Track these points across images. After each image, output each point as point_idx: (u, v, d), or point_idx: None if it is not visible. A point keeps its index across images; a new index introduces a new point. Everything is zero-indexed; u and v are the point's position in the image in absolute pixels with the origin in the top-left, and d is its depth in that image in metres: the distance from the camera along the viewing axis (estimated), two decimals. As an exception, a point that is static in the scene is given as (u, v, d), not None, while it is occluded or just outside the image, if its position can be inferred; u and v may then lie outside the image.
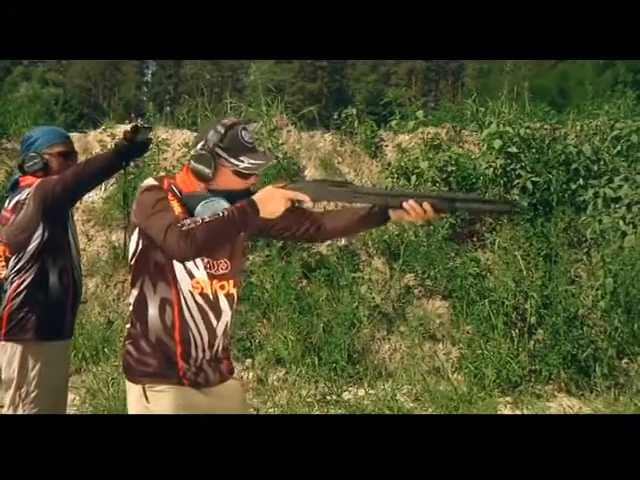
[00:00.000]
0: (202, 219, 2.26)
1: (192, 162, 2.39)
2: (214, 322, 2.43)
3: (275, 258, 6.38)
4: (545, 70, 27.81)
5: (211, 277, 2.42)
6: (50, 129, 3.45)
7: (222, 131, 2.34)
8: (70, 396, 5.39)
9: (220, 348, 2.49)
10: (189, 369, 2.41)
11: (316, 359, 5.79)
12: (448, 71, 44.42)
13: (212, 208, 2.31)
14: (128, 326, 2.48)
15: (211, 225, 2.26)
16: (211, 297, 2.42)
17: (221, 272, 2.45)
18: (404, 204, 2.38)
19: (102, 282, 6.89)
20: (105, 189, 7.38)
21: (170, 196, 2.33)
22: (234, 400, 2.58)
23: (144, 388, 2.38)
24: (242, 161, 2.34)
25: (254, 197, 2.35)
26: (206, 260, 2.40)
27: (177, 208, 2.31)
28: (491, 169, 6.65)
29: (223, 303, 2.45)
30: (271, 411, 5.15)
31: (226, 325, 2.48)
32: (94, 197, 7.38)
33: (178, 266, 2.36)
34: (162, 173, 7.04)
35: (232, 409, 2.53)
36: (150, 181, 2.39)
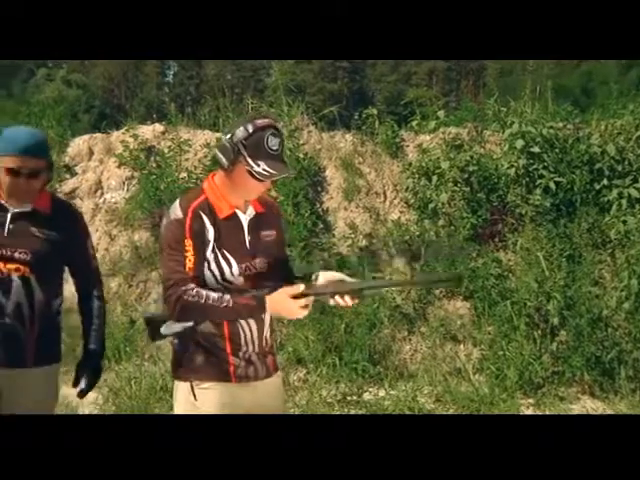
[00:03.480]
0: (206, 298, 2.34)
1: (216, 148, 2.46)
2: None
3: (296, 258, 6.39)
4: (568, 69, 27.60)
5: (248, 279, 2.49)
6: (11, 134, 2.71)
7: (250, 130, 2.37)
8: (93, 395, 5.45)
9: (268, 340, 2.53)
10: (239, 364, 2.46)
11: (337, 359, 5.78)
12: (469, 71, 44.17)
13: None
14: None
15: (211, 309, 2.35)
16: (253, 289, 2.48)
17: (260, 270, 2.51)
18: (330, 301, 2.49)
19: (124, 282, 6.94)
20: (128, 189, 7.44)
21: (192, 227, 2.37)
22: (276, 399, 2.63)
23: (192, 385, 2.43)
24: (258, 165, 2.36)
25: (268, 298, 2.40)
26: (244, 266, 2.46)
27: (205, 236, 2.38)
28: (513, 169, 6.60)
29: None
30: (291, 411, 5.15)
31: (271, 316, 2.52)
32: (117, 197, 7.44)
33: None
34: (183, 174, 7.08)
35: (274, 408, 2.57)
36: (176, 210, 2.42)
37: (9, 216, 2.72)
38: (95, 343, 2.90)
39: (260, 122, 2.39)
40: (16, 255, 2.70)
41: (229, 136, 2.40)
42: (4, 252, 2.69)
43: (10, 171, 2.64)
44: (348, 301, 2.47)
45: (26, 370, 2.74)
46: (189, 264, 2.36)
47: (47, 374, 2.85)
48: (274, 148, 2.38)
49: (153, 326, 2.56)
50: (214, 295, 2.34)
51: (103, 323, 2.95)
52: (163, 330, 2.46)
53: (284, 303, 2.40)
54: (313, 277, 2.53)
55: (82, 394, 2.90)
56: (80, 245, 2.88)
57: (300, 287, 2.41)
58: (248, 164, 2.37)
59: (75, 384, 2.90)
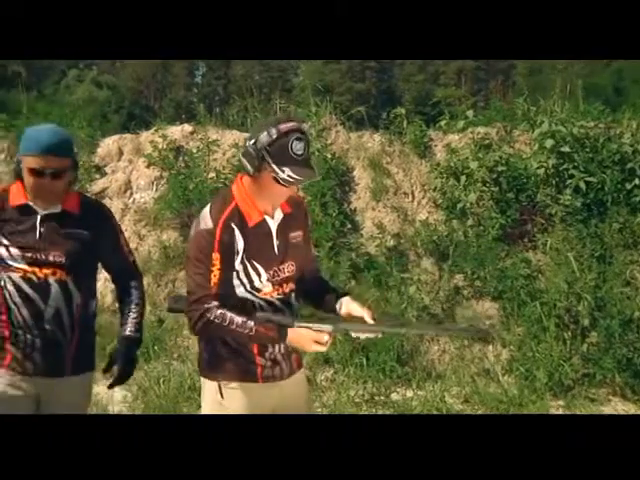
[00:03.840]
0: (230, 322, 2.35)
1: (240, 154, 2.45)
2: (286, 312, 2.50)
3: (324, 259, 6.39)
4: (599, 68, 27.26)
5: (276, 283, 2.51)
6: (34, 133, 2.61)
7: (274, 136, 2.34)
8: (122, 393, 5.53)
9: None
10: (266, 364, 2.48)
11: (364, 359, 5.77)
12: (498, 70, 43.80)
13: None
14: None
15: (233, 333, 2.37)
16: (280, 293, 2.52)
17: (287, 274, 2.53)
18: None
19: (153, 281, 6.99)
20: (156, 189, 7.50)
21: (221, 239, 2.37)
22: (301, 397, 2.65)
23: (219, 385, 2.44)
24: (283, 171, 2.34)
25: (290, 332, 2.41)
26: (272, 272, 2.48)
27: (235, 245, 2.39)
28: (543, 169, 6.54)
29: (291, 296, 2.55)
30: (319, 411, 5.15)
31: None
32: (146, 197, 7.50)
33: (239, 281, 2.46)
34: (212, 174, 7.12)
35: (299, 405, 2.59)
36: (207, 220, 2.41)
37: (39, 218, 2.62)
38: (132, 330, 2.78)
39: (284, 127, 2.35)
40: (51, 258, 2.60)
41: (253, 142, 2.37)
42: (38, 256, 2.59)
43: (33, 171, 2.54)
44: (370, 336, 2.53)
45: (64, 379, 2.66)
46: (214, 279, 2.36)
47: (83, 383, 2.78)
48: (299, 153, 2.34)
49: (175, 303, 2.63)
50: (238, 320, 2.35)
51: (142, 313, 2.85)
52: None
53: (305, 344, 2.42)
54: (337, 306, 2.54)
55: (114, 385, 2.83)
56: (113, 242, 2.79)
57: (324, 337, 2.41)
58: (273, 170, 2.35)
59: (106, 371, 2.80)
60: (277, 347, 2.50)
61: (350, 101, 30.85)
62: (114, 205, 7.47)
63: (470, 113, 7.28)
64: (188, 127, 7.83)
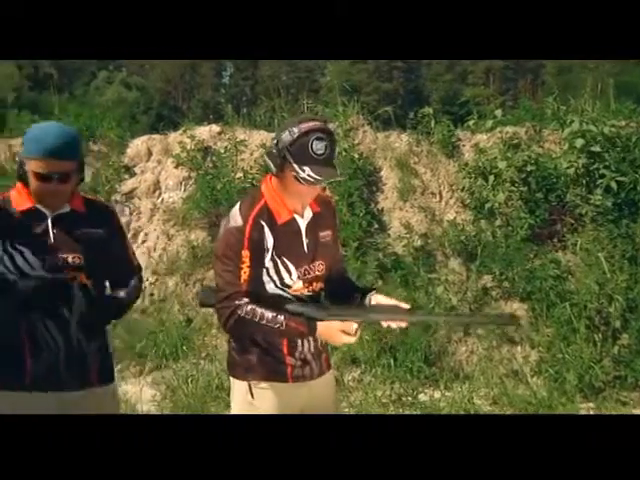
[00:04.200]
0: (260, 317, 2.36)
1: (265, 154, 2.47)
2: None
3: (351, 259, 6.38)
4: (631, 66, 26.84)
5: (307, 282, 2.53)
6: (38, 134, 2.44)
7: (295, 136, 2.35)
8: (151, 392, 5.58)
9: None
10: (295, 363, 2.49)
11: (392, 360, 5.76)
12: (527, 69, 43.39)
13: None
14: None
15: (261, 327, 2.37)
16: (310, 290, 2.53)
17: (317, 273, 2.54)
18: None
19: (181, 281, 7.04)
20: (185, 189, 7.55)
21: (251, 237, 2.38)
22: (330, 397, 2.66)
23: (250, 385, 2.45)
24: (303, 170, 2.34)
25: (319, 326, 2.42)
26: (303, 270, 2.49)
27: (263, 244, 2.40)
28: (573, 169, 6.46)
29: (321, 295, 2.56)
30: (346, 411, 5.15)
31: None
32: (174, 197, 7.56)
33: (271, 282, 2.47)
34: (239, 174, 7.15)
35: (327, 405, 2.60)
36: (237, 217, 2.43)
37: (49, 221, 2.47)
38: (112, 296, 2.60)
39: (304, 126, 2.36)
40: (70, 261, 2.45)
41: (275, 142, 2.40)
42: (56, 261, 2.44)
43: (38, 176, 2.39)
44: (401, 324, 2.51)
45: (90, 391, 2.50)
46: (244, 276, 2.37)
47: (111, 392, 2.64)
48: (319, 152, 2.34)
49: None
50: (268, 315, 2.36)
51: (128, 302, 2.65)
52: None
53: (334, 336, 2.43)
54: (366, 301, 2.54)
55: None
56: (119, 241, 2.66)
57: (353, 326, 2.42)
58: (294, 170, 2.36)
59: None
60: (307, 347, 2.51)
61: (377, 101, 30.77)
62: (143, 205, 7.55)
63: (499, 112, 7.22)
64: (216, 127, 7.87)
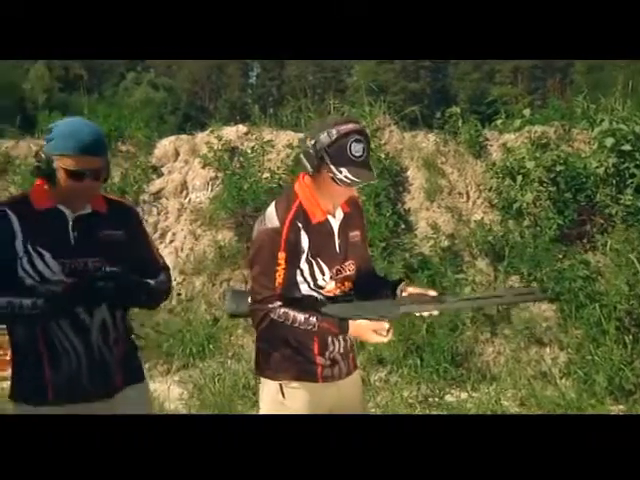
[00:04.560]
0: (293, 320, 2.37)
1: (301, 153, 2.47)
2: None
3: (377, 259, 6.37)
4: (662, 64, 26.44)
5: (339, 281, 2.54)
6: (71, 129, 2.31)
7: (333, 137, 2.37)
8: (178, 390, 5.62)
9: (351, 339, 2.57)
10: (325, 363, 2.50)
11: (418, 360, 5.74)
12: (556, 68, 42.96)
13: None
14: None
15: (294, 331, 2.39)
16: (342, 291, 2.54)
17: (348, 273, 2.56)
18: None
19: (208, 280, 7.08)
20: (212, 189, 7.59)
21: (288, 239, 2.40)
22: (357, 396, 2.67)
23: (281, 385, 2.46)
24: (341, 172, 2.36)
25: (351, 325, 2.43)
26: (335, 270, 2.51)
27: (300, 245, 2.42)
28: (602, 168, 6.39)
29: (352, 294, 2.56)
30: (372, 411, 5.14)
31: None
32: (201, 197, 7.61)
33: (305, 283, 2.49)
34: (266, 174, 7.17)
35: (355, 405, 2.60)
36: (273, 220, 2.43)
37: (70, 222, 2.36)
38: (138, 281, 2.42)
39: (343, 128, 2.37)
40: (90, 265, 2.33)
41: (313, 142, 2.40)
42: (77, 265, 2.32)
43: (72, 174, 2.27)
44: (434, 313, 2.53)
45: (117, 398, 2.39)
46: (279, 279, 2.38)
47: (139, 395, 2.50)
48: (357, 154, 2.36)
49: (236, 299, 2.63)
50: (301, 318, 2.38)
51: (157, 296, 2.52)
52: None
53: (366, 334, 2.45)
54: (398, 292, 2.54)
55: None
56: (141, 242, 2.54)
57: (385, 326, 2.43)
58: (331, 171, 2.37)
59: None
60: (336, 347, 2.52)
61: (404, 101, 30.68)
62: (170, 205, 7.61)
63: (527, 112, 7.16)
64: (243, 128, 7.91)
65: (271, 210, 2.46)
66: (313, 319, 2.38)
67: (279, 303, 2.37)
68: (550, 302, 6.15)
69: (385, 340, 2.46)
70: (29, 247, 2.29)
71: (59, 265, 2.30)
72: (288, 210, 2.43)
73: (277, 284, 2.38)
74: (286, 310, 2.37)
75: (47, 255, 2.30)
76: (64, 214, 2.36)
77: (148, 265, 2.51)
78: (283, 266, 2.38)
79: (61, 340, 2.32)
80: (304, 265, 2.43)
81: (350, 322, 2.42)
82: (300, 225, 2.41)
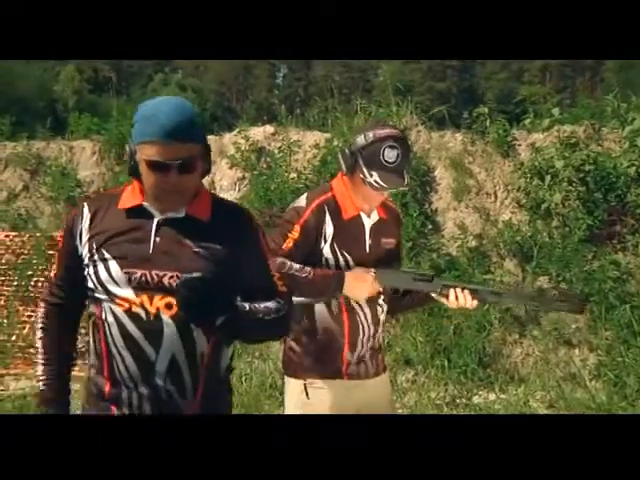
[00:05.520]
0: (289, 268, 2.37)
1: (339, 153, 2.53)
2: (379, 310, 2.51)
3: (404, 259, 6.36)
4: (694, 62, 26.03)
5: None
6: (151, 111, 1.86)
7: (369, 140, 2.41)
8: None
9: (380, 339, 2.57)
10: (352, 361, 2.50)
11: (445, 361, 5.72)
12: (585, 67, 42.49)
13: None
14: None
15: (289, 278, 2.32)
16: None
17: None
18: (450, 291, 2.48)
19: (235, 280, 7.11)
20: (239, 190, 7.63)
21: (308, 218, 2.43)
22: (385, 397, 2.66)
23: (305, 385, 2.48)
24: (371, 175, 2.40)
25: (346, 275, 2.42)
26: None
27: (323, 230, 2.43)
28: (633, 168, 6.30)
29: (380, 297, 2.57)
30: (400, 412, 5.14)
31: (385, 316, 2.56)
32: (229, 198, 7.64)
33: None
34: (293, 174, 7.19)
35: (383, 406, 2.60)
36: (301, 200, 2.51)
37: (154, 225, 1.89)
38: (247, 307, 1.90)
39: (380, 132, 2.41)
40: (165, 282, 1.85)
41: (350, 143, 2.48)
42: (149, 278, 1.85)
43: (154, 164, 1.83)
44: (468, 298, 2.47)
45: None
46: (287, 244, 2.42)
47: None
48: (390, 160, 2.38)
49: None
50: (296, 266, 2.39)
51: (272, 328, 1.98)
52: None
53: (362, 281, 2.44)
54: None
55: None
56: (256, 261, 1.96)
57: (369, 275, 2.47)
58: (362, 173, 2.41)
59: None
60: (366, 345, 2.52)
61: (431, 100, 30.55)
62: (198, 205, 7.66)
63: (556, 111, 7.09)
64: (270, 128, 7.93)
65: (303, 195, 2.54)
66: (308, 268, 2.39)
67: (281, 259, 2.37)
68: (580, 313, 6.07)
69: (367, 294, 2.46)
70: (97, 253, 1.90)
71: (125, 276, 1.86)
72: (318, 197, 2.48)
73: (284, 247, 2.41)
74: (283, 260, 2.37)
75: (113, 262, 1.87)
76: (150, 214, 1.92)
77: (258, 293, 1.93)
78: (295, 237, 2.42)
79: (121, 375, 1.90)
80: (329, 254, 2.45)
81: (347, 272, 2.43)
82: (327, 211, 2.44)
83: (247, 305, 1.90)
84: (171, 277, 1.86)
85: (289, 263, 2.39)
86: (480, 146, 7.19)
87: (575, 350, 5.88)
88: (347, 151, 2.45)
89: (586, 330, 5.92)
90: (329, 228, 2.44)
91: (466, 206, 6.93)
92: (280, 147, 7.49)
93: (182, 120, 1.86)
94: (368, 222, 2.52)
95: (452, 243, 6.69)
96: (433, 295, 2.53)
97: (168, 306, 1.85)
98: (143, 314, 1.86)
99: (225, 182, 7.74)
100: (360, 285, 2.45)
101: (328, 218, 2.44)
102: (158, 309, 1.86)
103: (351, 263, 2.47)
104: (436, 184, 7.12)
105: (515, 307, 6.14)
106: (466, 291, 2.46)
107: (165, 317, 1.86)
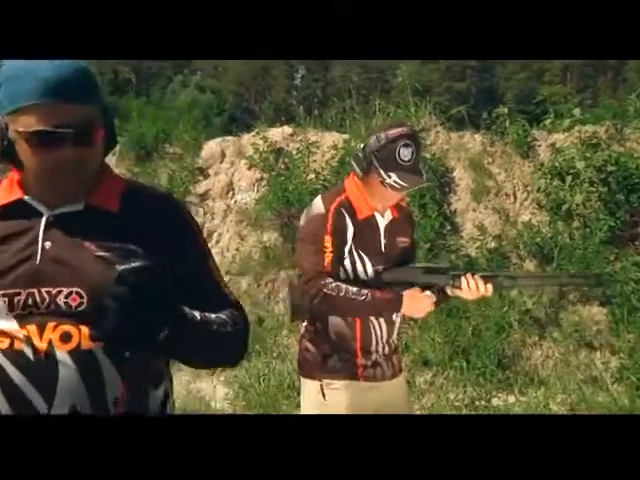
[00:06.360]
0: (345, 291, 2.34)
1: (351, 157, 2.51)
2: (393, 315, 2.50)
3: (422, 260, 6.32)
4: None
5: None
6: (24, 67, 1.34)
7: (382, 142, 2.39)
8: (224, 390, 5.67)
9: (395, 342, 2.56)
10: (367, 364, 2.49)
11: (464, 363, 5.68)
12: (607, 66, 42.10)
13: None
14: (305, 324, 2.56)
15: (347, 302, 2.35)
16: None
17: None
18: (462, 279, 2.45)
19: (254, 281, 7.13)
20: (257, 191, 7.64)
21: (334, 224, 2.40)
22: (401, 399, 2.65)
23: (321, 385, 2.47)
24: (390, 176, 2.38)
25: (404, 296, 2.41)
26: (378, 269, 2.51)
27: (344, 235, 2.41)
28: (657, 168, 6.24)
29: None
30: (418, 413, 5.11)
31: (400, 318, 2.55)
32: (247, 198, 7.66)
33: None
34: (311, 175, 7.19)
35: (400, 408, 2.59)
36: (318, 206, 2.46)
37: (42, 225, 1.38)
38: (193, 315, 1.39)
39: (392, 132, 2.39)
40: (60, 301, 1.34)
41: (362, 146, 2.45)
42: (38, 299, 1.34)
43: (36, 137, 1.31)
44: (481, 284, 2.43)
45: None
46: (327, 259, 2.38)
47: None
48: (406, 159, 2.37)
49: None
50: (353, 289, 2.36)
51: (227, 339, 1.48)
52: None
53: (421, 302, 2.41)
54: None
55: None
56: (191, 259, 1.48)
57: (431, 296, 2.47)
58: (380, 175, 2.40)
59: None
60: (380, 348, 2.51)
61: (449, 101, 30.44)
62: (216, 206, 7.68)
63: (577, 111, 7.02)
64: (288, 129, 7.94)
65: (317, 199, 2.50)
66: (365, 290, 2.36)
67: (330, 279, 2.35)
68: (601, 305, 6.02)
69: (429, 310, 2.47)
70: None
71: (1, 300, 1.34)
72: (334, 199, 2.45)
73: (326, 264, 2.37)
74: (338, 284, 2.35)
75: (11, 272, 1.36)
76: (35, 210, 1.40)
77: (203, 302, 1.44)
78: (330, 249, 2.39)
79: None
80: (347, 258, 2.43)
81: (404, 293, 2.40)
82: (345, 214, 2.42)
83: (197, 314, 1.39)
84: (68, 294, 1.34)
85: (344, 286, 2.36)
86: (500, 147, 7.15)
87: (597, 353, 5.82)
88: (360, 155, 2.43)
89: (608, 332, 5.85)
90: (350, 230, 2.43)
91: (485, 207, 6.88)
92: (298, 148, 7.49)
93: (69, 72, 1.34)
94: (382, 222, 2.51)
95: (471, 244, 6.65)
96: (448, 292, 2.51)
97: (65, 337, 1.33)
98: (29, 352, 1.33)
99: (243, 183, 7.75)
100: (417, 305, 2.45)
101: (348, 220, 2.43)
102: (50, 343, 1.33)
103: (367, 263, 2.45)
104: (455, 185, 7.08)
105: (535, 309, 6.09)
106: (477, 276, 2.43)
107: (60, 353, 1.33)
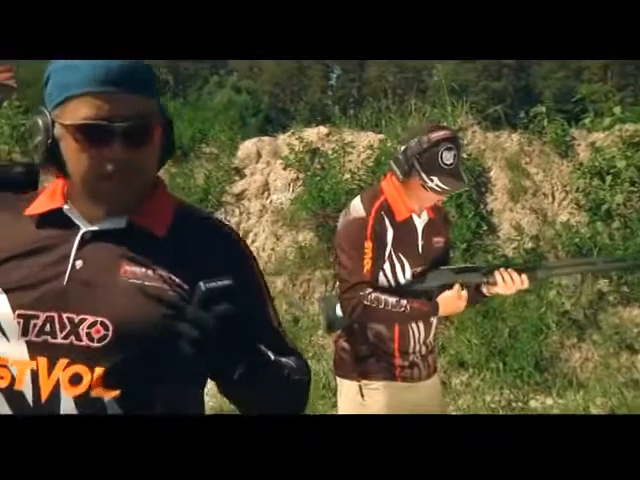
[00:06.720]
0: (385, 304, 2.34)
1: (391, 160, 2.50)
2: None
3: (458, 260, 6.28)
4: None
5: None
6: (74, 62, 1.16)
7: (424, 145, 2.38)
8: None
9: (432, 343, 2.56)
10: (404, 365, 2.50)
11: (501, 364, 5.62)
12: (648, 63, 41.26)
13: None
14: None
15: (388, 314, 2.35)
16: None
17: None
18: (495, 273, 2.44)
19: (289, 281, 7.15)
20: (293, 191, 7.66)
21: (374, 229, 2.39)
22: (436, 398, 2.65)
23: (360, 385, 2.47)
24: (432, 180, 2.37)
25: (439, 302, 2.42)
26: (416, 271, 2.51)
27: (384, 238, 2.41)
28: (701, 167, 6.11)
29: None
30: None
31: (437, 319, 2.55)
32: (283, 199, 7.69)
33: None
34: (347, 175, 7.19)
35: (435, 407, 2.59)
36: (358, 209, 2.44)
37: (77, 240, 1.20)
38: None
39: (435, 136, 2.38)
40: (82, 332, 1.14)
41: (403, 148, 2.42)
42: (58, 325, 1.15)
43: (87, 131, 1.13)
44: (515, 276, 2.41)
45: None
46: (367, 267, 2.38)
47: None
48: (448, 163, 2.36)
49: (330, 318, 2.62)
50: (392, 300, 2.36)
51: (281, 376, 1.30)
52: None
53: (455, 303, 2.41)
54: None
55: None
56: (251, 302, 1.24)
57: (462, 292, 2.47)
58: (422, 179, 2.39)
59: None
60: (417, 349, 2.51)
61: (486, 100, 30.15)
62: (252, 206, 7.72)
63: (617, 109, 6.90)
64: (324, 129, 7.94)
65: (356, 201, 2.48)
66: (404, 301, 2.36)
67: (369, 289, 2.35)
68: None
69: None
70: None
71: (16, 321, 1.15)
72: (374, 202, 2.44)
73: (365, 271, 2.37)
74: (377, 294, 2.35)
75: (11, 294, 1.17)
76: (72, 223, 1.23)
77: (264, 346, 1.22)
78: (370, 255, 2.38)
79: None
80: (387, 262, 2.42)
81: (438, 299, 2.41)
82: (385, 217, 2.41)
83: (271, 354, 1.21)
84: (92, 324, 1.14)
85: (383, 298, 2.36)
86: (537, 146, 7.06)
87: (637, 355, 5.71)
88: (401, 157, 2.41)
89: (648, 335, 5.76)
90: (389, 234, 2.42)
91: (522, 207, 6.81)
92: (334, 148, 7.49)
93: (130, 62, 1.18)
94: (420, 223, 2.51)
95: (508, 244, 6.59)
96: (484, 291, 2.50)
97: (74, 380, 1.12)
98: (29, 396, 1.12)
99: (279, 183, 7.78)
100: (452, 310, 2.48)
101: (387, 223, 2.42)
102: (57, 383, 1.12)
103: (406, 266, 2.45)
104: (492, 185, 7.02)
105: (573, 310, 6.01)
106: (510, 269, 2.41)
107: (65, 398, 1.12)
